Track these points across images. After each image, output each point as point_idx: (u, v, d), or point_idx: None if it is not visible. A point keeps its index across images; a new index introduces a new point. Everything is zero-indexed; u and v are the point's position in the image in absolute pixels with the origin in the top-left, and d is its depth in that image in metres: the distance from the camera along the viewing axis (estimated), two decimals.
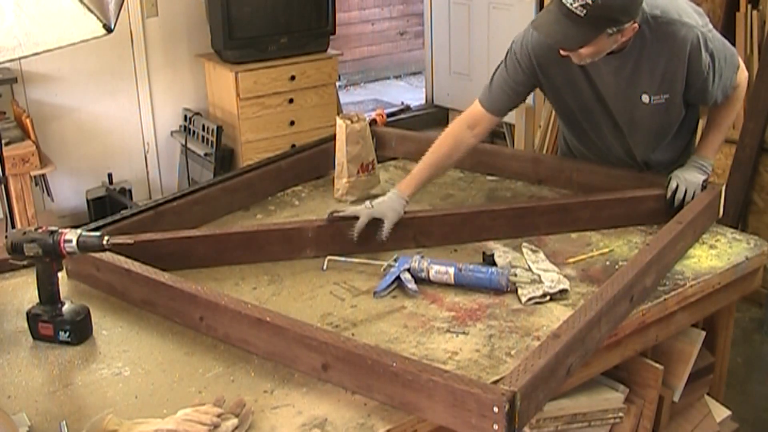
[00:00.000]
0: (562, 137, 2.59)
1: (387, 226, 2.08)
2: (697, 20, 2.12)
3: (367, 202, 2.15)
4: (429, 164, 2.25)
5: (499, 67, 2.28)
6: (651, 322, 1.88)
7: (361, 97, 6.99)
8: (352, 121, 2.43)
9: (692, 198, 2.18)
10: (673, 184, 2.19)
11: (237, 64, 4.38)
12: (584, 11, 1.89)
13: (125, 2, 2.82)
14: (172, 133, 4.70)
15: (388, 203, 2.13)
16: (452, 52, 5.56)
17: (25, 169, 3.62)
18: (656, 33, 2.08)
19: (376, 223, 2.09)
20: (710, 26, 2.16)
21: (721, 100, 2.24)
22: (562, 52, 2.04)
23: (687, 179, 2.20)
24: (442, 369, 1.49)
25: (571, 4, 1.90)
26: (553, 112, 4.45)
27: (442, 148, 2.27)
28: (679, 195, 2.18)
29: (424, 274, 1.95)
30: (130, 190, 4.41)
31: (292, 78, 4.51)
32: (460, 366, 1.63)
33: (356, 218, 2.09)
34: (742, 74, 2.27)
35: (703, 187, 2.21)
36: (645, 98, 2.18)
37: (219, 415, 1.43)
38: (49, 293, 1.76)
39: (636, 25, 1.99)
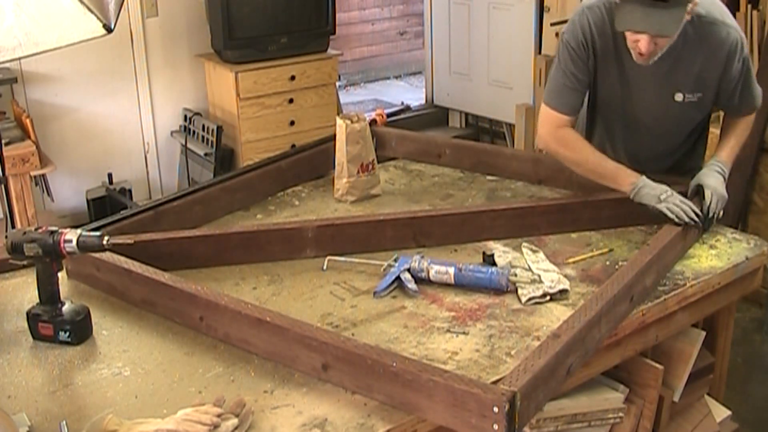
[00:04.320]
0: None
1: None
2: (735, 24, 2.16)
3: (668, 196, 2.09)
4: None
5: (555, 68, 2.27)
6: (651, 322, 1.88)
7: (361, 97, 6.99)
8: (352, 121, 2.43)
9: (719, 211, 2.14)
10: (708, 196, 2.12)
11: (237, 64, 4.38)
12: None
13: (125, 2, 2.82)
14: (172, 133, 4.70)
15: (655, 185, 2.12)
16: (452, 52, 5.56)
17: (25, 169, 3.62)
18: (699, 32, 2.11)
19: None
20: (743, 33, 2.20)
21: (743, 108, 2.29)
22: (644, 48, 2.03)
23: (719, 192, 2.13)
24: (442, 369, 1.49)
25: None
26: None
27: (584, 141, 2.27)
28: (714, 208, 2.11)
29: (424, 274, 1.94)
30: (130, 190, 4.41)
31: (292, 78, 4.51)
32: (460, 366, 1.63)
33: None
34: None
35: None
36: (678, 96, 2.21)
37: (219, 415, 1.43)
38: (49, 293, 1.76)
39: (696, 1, 2.03)
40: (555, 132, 2.25)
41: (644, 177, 2.13)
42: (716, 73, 2.17)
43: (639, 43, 2.04)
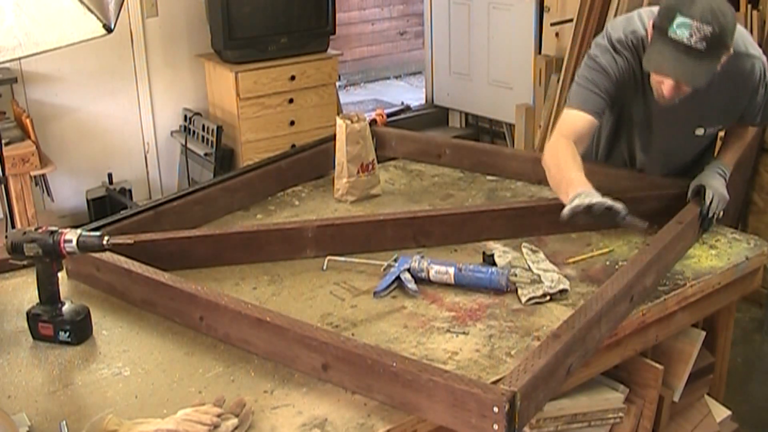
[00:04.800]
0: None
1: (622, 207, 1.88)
2: (757, 49, 2.10)
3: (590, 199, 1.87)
4: (580, 166, 2.02)
5: (580, 79, 2.14)
6: (651, 322, 1.88)
7: (361, 97, 6.99)
8: (352, 121, 2.43)
9: (719, 212, 2.13)
10: (709, 196, 2.10)
11: (237, 64, 4.38)
12: (704, 44, 1.84)
13: (125, 2, 2.82)
14: (172, 133, 4.70)
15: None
16: (452, 52, 5.56)
17: (25, 169, 3.62)
18: (724, 67, 2.00)
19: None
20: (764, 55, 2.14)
21: (758, 124, 2.25)
22: (668, 91, 1.96)
23: (720, 193, 2.12)
24: (442, 369, 1.49)
25: (689, 39, 1.84)
26: (553, 113, 4.45)
27: (571, 152, 2.04)
28: (714, 209, 2.10)
29: (424, 274, 1.94)
30: (130, 190, 4.41)
31: (292, 78, 4.51)
32: (460, 366, 1.63)
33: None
34: None
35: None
36: (699, 131, 2.18)
37: (219, 415, 1.43)
38: (49, 293, 1.76)
39: (732, 50, 1.95)
40: (557, 138, 2.10)
41: (594, 191, 1.91)
42: (741, 105, 2.13)
43: (663, 85, 1.97)
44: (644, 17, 2.08)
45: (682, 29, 1.85)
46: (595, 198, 1.88)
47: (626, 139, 2.33)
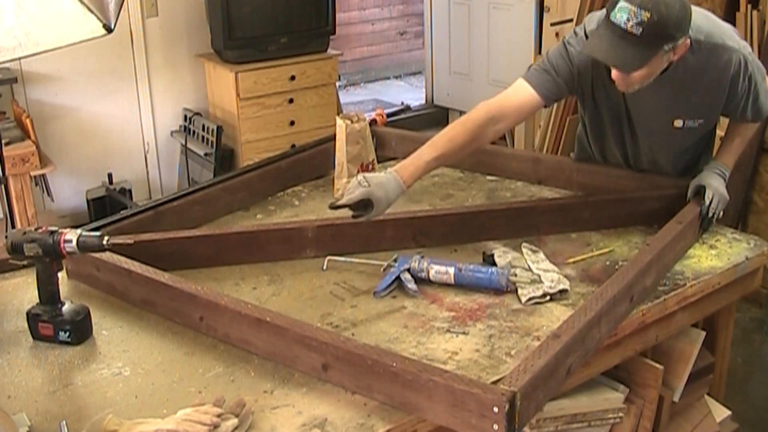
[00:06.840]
0: (578, 143, 2.54)
1: (373, 214, 1.93)
2: (738, 42, 2.09)
3: (361, 177, 1.95)
4: (441, 153, 2.04)
5: (543, 60, 2.17)
6: (651, 322, 1.88)
7: (361, 97, 6.99)
8: (352, 121, 2.43)
9: (719, 212, 2.13)
10: (709, 196, 2.10)
11: (237, 64, 4.38)
12: (640, 29, 1.85)
13: (125, 2, 2.82)
14: (172, 133, 4.70)
15: (386, 188, 1.94)
16: (452, 52, 5.57)
17: (25, 169, 3.62)
18: (699, 58, 2.03)
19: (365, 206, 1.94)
20: (749, 48, 2.12)
21: (751, 119, 2.22)
22: (615, 77, 1.99)
23: (720, 193, 2.12)
24: (442, 369, 1.49)
25: (626, 24, 1.86)
26: (554, 113, 4.45)
27: (459, 138, 2.07)
28: (714, 208, 2.10)
29: (424, 274, 1.94)
30: (130, 190, 4.41)
31: (292, 78, 4.51)
32: (460, 366, 1.63)
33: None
34: None
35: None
36: (678, 123, 2.17)
37: (219, 415, 1.43)
38: (49, 293, 1.76)
39: (688, 41, 1.95)
40: (480, 106, 2.13)
41: (403, 187, 1.98)
42: (720, 98, 2.12)
43: (613, 71, 1.99)
44: None
45: (621, 13, 1.87)
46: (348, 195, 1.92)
47: (614, 136, 2.33)
